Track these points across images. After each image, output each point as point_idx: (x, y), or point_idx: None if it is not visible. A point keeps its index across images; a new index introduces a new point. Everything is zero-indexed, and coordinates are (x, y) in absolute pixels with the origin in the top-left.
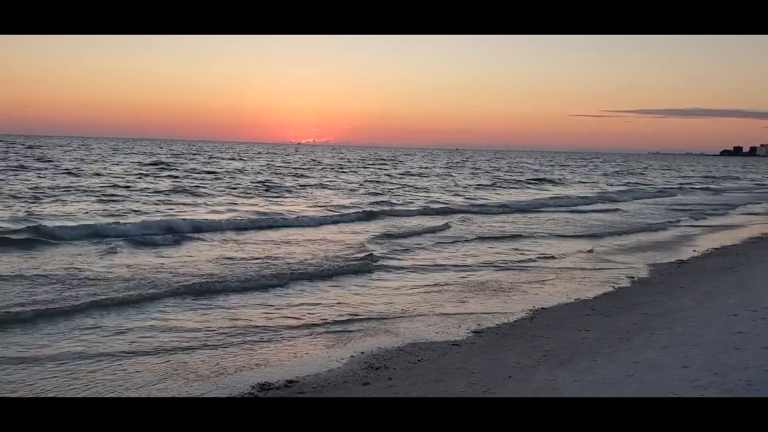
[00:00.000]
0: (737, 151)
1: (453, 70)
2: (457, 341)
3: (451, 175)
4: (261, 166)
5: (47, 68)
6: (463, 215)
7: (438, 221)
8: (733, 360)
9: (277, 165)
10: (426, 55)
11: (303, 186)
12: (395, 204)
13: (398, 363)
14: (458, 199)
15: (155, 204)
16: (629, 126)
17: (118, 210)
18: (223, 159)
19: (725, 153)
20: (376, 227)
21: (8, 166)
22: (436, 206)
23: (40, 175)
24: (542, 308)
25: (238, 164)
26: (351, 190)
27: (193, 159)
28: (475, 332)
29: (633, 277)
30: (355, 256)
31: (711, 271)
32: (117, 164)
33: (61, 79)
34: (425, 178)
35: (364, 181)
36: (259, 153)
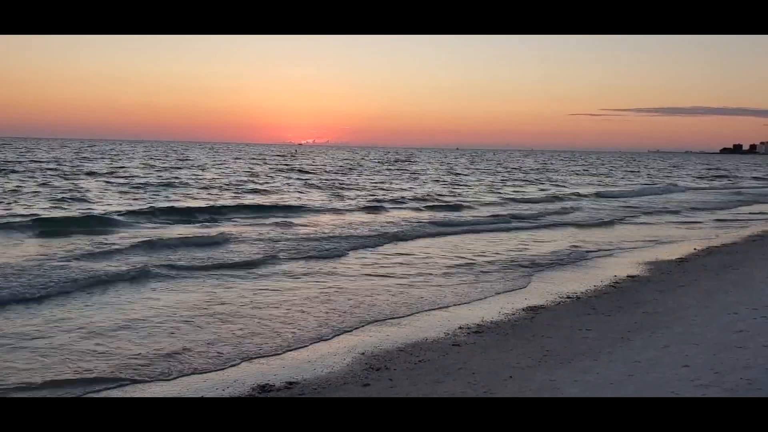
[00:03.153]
0: (737, 149)
1: (452, 70)
2: (458, 341)
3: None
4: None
5: (43, 68)
6: None
7: None
8: (734, 359)
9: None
10: (426, 55)
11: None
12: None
13: (399, 364)
14: None
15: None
16: (629, 125)
17: None
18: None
19: (725, 151)
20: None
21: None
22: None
23: None
24: (542, 307)
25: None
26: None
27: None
28: (476, 332)
29: (634, 276)
30: None
31: (711, 269)
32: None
33: (57, 79)
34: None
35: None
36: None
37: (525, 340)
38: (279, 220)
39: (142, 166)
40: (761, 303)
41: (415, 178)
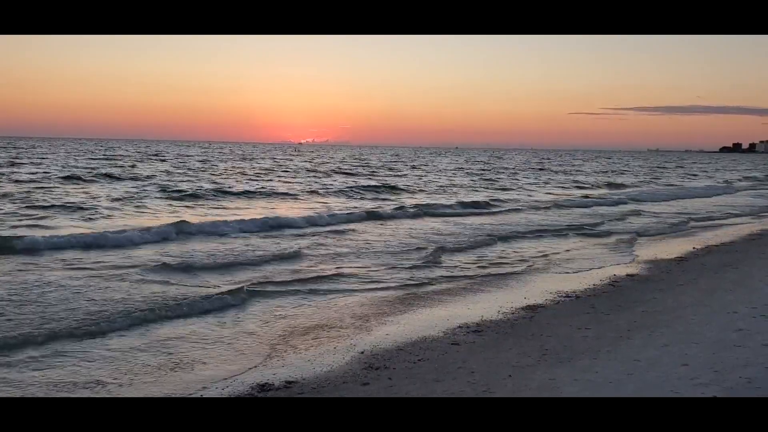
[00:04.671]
0: (736, 148)
1: (452, 70)
2: (457, 340)
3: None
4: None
5: (43, 68)
6: None
7: None
8: (733, 358)
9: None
10: (425, 55)
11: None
12: None
13: (398, 363)
14: None
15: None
16: (628, 123)
17: None
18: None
19: (724, 149)
20: None
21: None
22: None
23: None
24: (542, 306)
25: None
26: None
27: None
28: (475, 331)
29: (633, 275)
30: None
31: (710, 268)
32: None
33: (57, 79)
34: None
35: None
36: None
37: (524, 339)
38: (343, 228)
39: (166, 169)
40: (760, 302)
41: (447, 180)
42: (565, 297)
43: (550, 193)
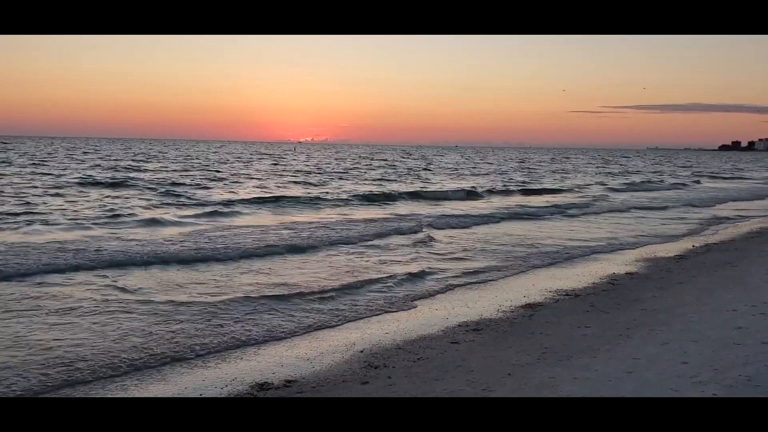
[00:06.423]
0: (736, 146)
1: (451, 69)
2: (457, 339)
3: None
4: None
5: (44, 69)
6: None
7: None
8: (732, 355)
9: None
10: (424, 54)
11: None
12: None
13: (397, 361)
14: None
15: None
16: (628, 122)
17: None
18: None
19: (723, 148)
20: None
21: None
22: None
23: None
24: (541, 305)
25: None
26: None
27: None
28: (474, 330)
29: (632, 273)
30: None
31: (710, 266)
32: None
33: (57, 79)
34: None
35: None
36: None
37: (524, 337)
38: (422, 234)
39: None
40: (760, 300)
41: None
42: (564, 295)
43: (607, 195)
